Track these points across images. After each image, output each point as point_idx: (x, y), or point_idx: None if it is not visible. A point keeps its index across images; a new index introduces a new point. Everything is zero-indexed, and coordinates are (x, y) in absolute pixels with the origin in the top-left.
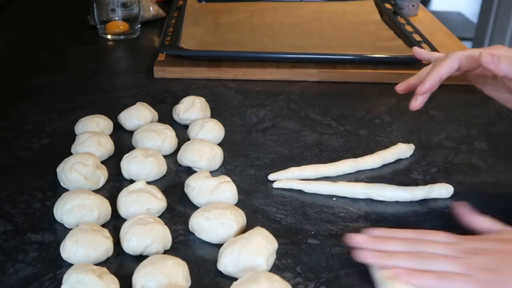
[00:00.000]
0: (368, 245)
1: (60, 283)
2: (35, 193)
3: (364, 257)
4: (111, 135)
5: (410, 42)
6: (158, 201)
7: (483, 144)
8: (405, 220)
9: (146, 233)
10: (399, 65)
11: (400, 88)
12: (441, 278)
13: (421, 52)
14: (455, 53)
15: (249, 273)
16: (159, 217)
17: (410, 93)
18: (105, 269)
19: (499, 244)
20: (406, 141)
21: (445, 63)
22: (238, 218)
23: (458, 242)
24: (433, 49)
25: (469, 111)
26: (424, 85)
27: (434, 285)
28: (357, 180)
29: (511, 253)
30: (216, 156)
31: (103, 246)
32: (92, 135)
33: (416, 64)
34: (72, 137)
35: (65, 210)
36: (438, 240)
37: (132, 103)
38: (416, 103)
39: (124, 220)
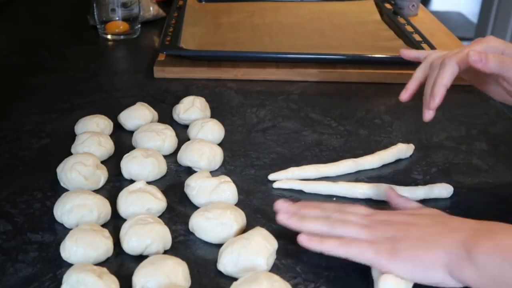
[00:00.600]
0: (289, 209)
1: (60, 283)
2: (35, 193)
3: (281, 219)
4: (111, 135)
5: (410, 42)
6: (158, 201)
7: (483, 144)
8: None
9: (146, 233)
10: (399, 65)
11: (404, 97)
12: (345, 243)
13: (408, 52)
14: (451, 58)
15: (249, 273)
16: (159, 217)
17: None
18: (105, 269)
19: (408, 217)
20: (406, 141)
21: (446, 71)
22: (238, 218)
23: (372, 214)
24: (433, 49)
25: (469, 111)
26: (434, 100)
27: (338, 249)
28: (357, 180)
29: (415, 224)
30: (216, 156)
31: (103, 246)
32: (92, 135)
33: (416, 64)
34: (72, 137)
35: (65, 210)
36: (354, 211)
37: (132, 103)
38: (430, 115)
39: (124, 220)
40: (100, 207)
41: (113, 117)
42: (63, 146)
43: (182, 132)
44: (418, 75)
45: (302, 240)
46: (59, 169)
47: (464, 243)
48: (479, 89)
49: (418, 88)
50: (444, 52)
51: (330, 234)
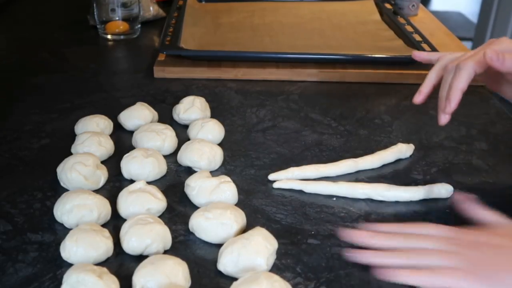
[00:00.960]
0: (363, 240)
1: (60, 283)
2: (35, 193)
3: (357, 257)
4: (111, 135)
5: (410, 42)
6: (158, 201)
7: (483, 144)
8: (405, 220)
9: (146, 233)
10: (399, 65)
11: (418, 100)
12: (435, 274)
13: (419, 54)
14: (466, 61)
15: (249, 273)
16: (159, 217)
17: (410, 93)
18: (105, 269)
19: (496, 238)
20: (406, 141)
21: (462, 74)
22: (238, 218)
23: (454, 236)
24: (433, 49)
25: (469, 111)
26: (450, 104)
27: (430, 282)
28: (357, 180)
29: (508, 247)
30: (216, 156)
31: (103, 246)
32: (92, 135)
33: (415, 64)
34: (72, 137)
35: (65, 210)
36: (433, 234)
37: (132, 103)
38: (446, 119)
39: (124, 220)
40: (100, 207)
41: (113, 117)
42: (63, 146)
43: (182, 132)
44: (431, 77)
45: (389, 274)
46: (59, 169)
47: None
48: (492, 89)
49: (432, 90)
50: (457, 54)
51: (411, 265)
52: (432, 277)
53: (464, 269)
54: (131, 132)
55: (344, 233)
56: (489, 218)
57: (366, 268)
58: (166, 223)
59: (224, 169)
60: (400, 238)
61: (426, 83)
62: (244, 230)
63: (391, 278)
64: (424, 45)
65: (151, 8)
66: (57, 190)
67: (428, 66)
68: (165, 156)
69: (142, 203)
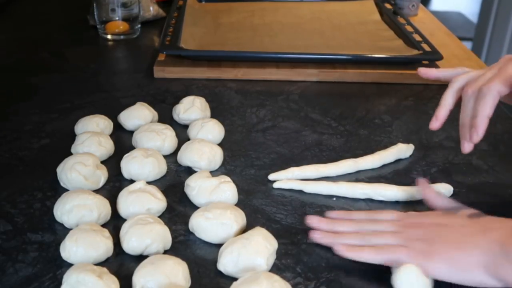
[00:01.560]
0: (322, 226)
1: (60, 283)
2: (35, 193)
3: (316, 237)
4: (111, 135)
5: (410, 42)
6: (158, 201)
7: (483, 144)
8: None
9: (146, 233)
10: (399, 65)
11: (435, 126)
12: (378, 250)
13: (426, 72)
14: (490, 86)
15: (249, 273)
16: (159, 217)
17: (410, 94)
18: (105, 269)
19: (438, 217)
20: (406, 141)
21: (487, 101)
22: (238, 218)
23: (401, 218)
24: (433, 49)
25: None
26: (478, 132)
27: (372, 257)
28: (357, 180)
29: (446, 225)
30: (216, 156)
31: (103, 246)
32: (92, 135)
33: (415, 64)
34: (72, 137)
35: (65, 210)
36: (384, 219)
37: (132, 103)
38: (470, 148)
39: (124, 220)
40: (100, 207)
41: (113, 117)
42: (63, 146)
43: (182, 132)
44: (448, 102)
45: (340, 249)
46: (59, 169)
47: (500, 243)
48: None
49: (449, 115)
50: (472, 74)
51: (363, 245)
52: (373, 253)
53: (405, 246)
54: (131, 132)
55: (308, 219)
56: (441, 203)
57: (366, 268)
58: (166, 223)
59: (224, 169)
60: (352, 223)
61: (442, 108)
62: (244, 230)
63: (342, 254)
64: (424, 45)
65: (151, 8)
66: (57, 190)
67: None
68: (165, 156)
69: (142, 203)
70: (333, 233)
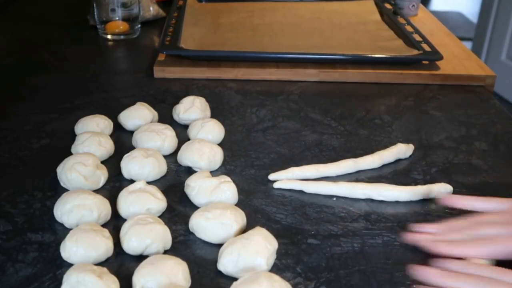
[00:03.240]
0: (436, 281)
1: (60, 283)
2: (35, 193)
3: (423, 275)
4: (111, 135)
5: (410, 42)
6: (158, 201)
7: (483, 144)
8: (405, 220)
9: (146, 233)
10: (399, 65)
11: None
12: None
13: (455, 201)
14: None
15: (249, 273)
16: (159, 217)
17: (410, 94)
18: (105, 269)
19: None
20: (406, 141)
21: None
22: (238, 218)
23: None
24: (433, 49)
25: (469, 111)
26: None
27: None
28: (357, 180)
29: None
30: (216, 156)
31: (103, 246)
32: (92, 135)
33: (415, 64)
34: (72, 137)
35: (65, 210)
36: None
37: (132, 103)
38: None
39: (124, 220)
40: (100, 207)
41: (113, 117)
42: (63, 146)
43: (182, 132)
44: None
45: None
46: (59, 169)
47: None
48: None
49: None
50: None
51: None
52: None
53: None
54: (131, 132)
55: (417, 271)
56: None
57: (366, 268)
58: (166, 223)
59: (224, 169)
60: (476, 282)
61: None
62: (244, 230)
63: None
64: (424, 45)
65: (151, 8)
66: (57, 190)
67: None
68: (165, 156)
69: (142, 203)
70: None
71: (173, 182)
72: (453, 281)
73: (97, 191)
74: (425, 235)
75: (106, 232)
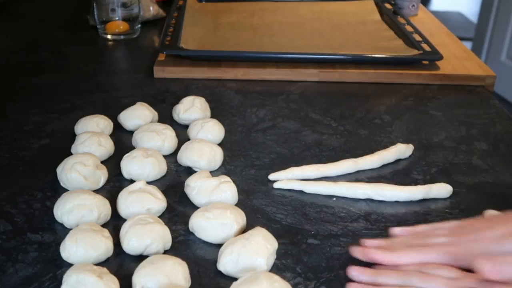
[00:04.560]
0: (363, 278)
1: (60, 283)
2: (35, 193)
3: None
4: (111, 135)
5: (410, 42)
6: (158, 201)
7: (483, 144)
8: (405, 220)
9: (146, 233)
10: (399, 65)
11: (354, 253)
12: None
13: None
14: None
15: (249, 273)
16: (159, 217)
17: (410, 93)
18: (105, 269)
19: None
20: (406, 141)
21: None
22: (238, 218)
23: (459, 278)
24: (433, 49)
25: (469, 111)
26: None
27: None
28: (357, 180)
29: None
30: (216, 156)
31: (103, 246)
32: (92, 135)
33: (415, 64)
34: (72, 137)
35: (65, 210)
36: (439, 274)
37: (132, 103)
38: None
39: (124, 220)
40: (100, 207)
41: (113, 117)
42: (63, 146)
43: (182, 132)
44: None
45: None
46: (59, 169)
47: None
48: None
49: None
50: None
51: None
52: None
53: None
54: (131, 132)
55: (349, 269)
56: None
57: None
58: (166, 223)
59: (224, 169)
60: (399, 275)
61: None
62: (244, 230)
63: None
64: (424, 45)
65: (151, 8)
66: (57, 190)
67: (428, 66)
68: (165, 156)
69: (142, 203)
70: (374, 286)
71: (173, 182)
72: (384, 277)
73: (97, 191)
74: (368, 248)
75: (106, 232)
